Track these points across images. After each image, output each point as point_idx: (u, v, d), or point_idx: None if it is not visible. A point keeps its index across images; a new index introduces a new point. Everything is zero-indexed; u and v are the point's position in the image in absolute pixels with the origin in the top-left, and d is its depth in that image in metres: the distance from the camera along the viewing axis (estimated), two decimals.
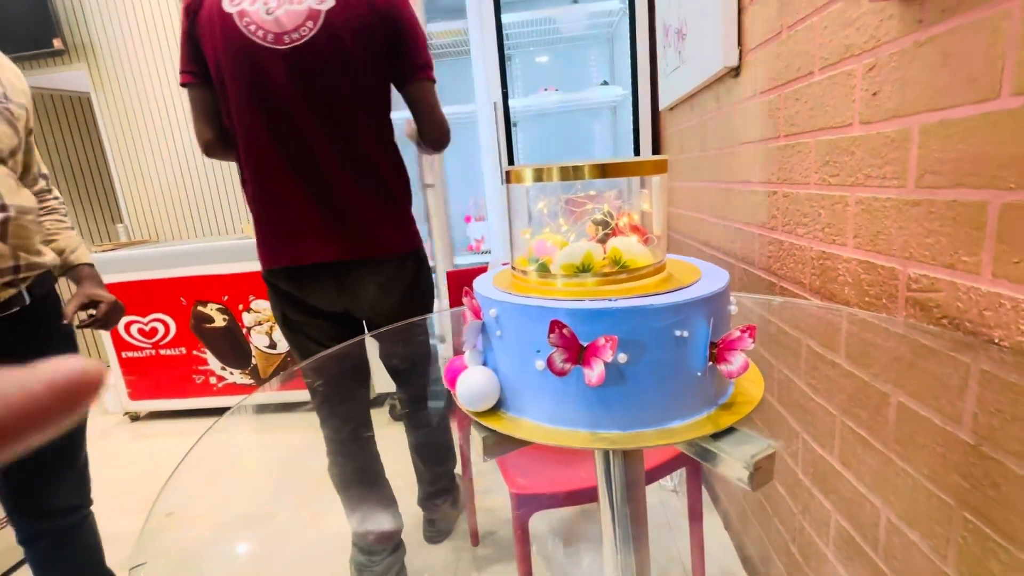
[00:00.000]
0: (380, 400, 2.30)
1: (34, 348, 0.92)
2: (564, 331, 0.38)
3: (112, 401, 2.54)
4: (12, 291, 0.88)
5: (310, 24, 0.95)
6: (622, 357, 0.38)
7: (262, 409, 2.51)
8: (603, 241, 0.47)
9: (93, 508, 1.09)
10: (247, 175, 1.06)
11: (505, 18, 1.93)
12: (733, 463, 0.38)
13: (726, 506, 1.34)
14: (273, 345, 2.29)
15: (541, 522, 1.40)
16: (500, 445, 0.42)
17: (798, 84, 0.83)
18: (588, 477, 0.94)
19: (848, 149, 0.71)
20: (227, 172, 2.85)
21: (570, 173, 0.42)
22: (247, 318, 2.28)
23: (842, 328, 0.76)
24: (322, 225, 1.04)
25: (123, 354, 2.36)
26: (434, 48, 2.28)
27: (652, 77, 1.86)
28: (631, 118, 1.95)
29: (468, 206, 2.51)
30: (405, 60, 1.04)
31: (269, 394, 2.25)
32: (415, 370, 1.31)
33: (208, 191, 2.91)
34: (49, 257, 0.96)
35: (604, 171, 0.42)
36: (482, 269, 1.46)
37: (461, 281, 1.34)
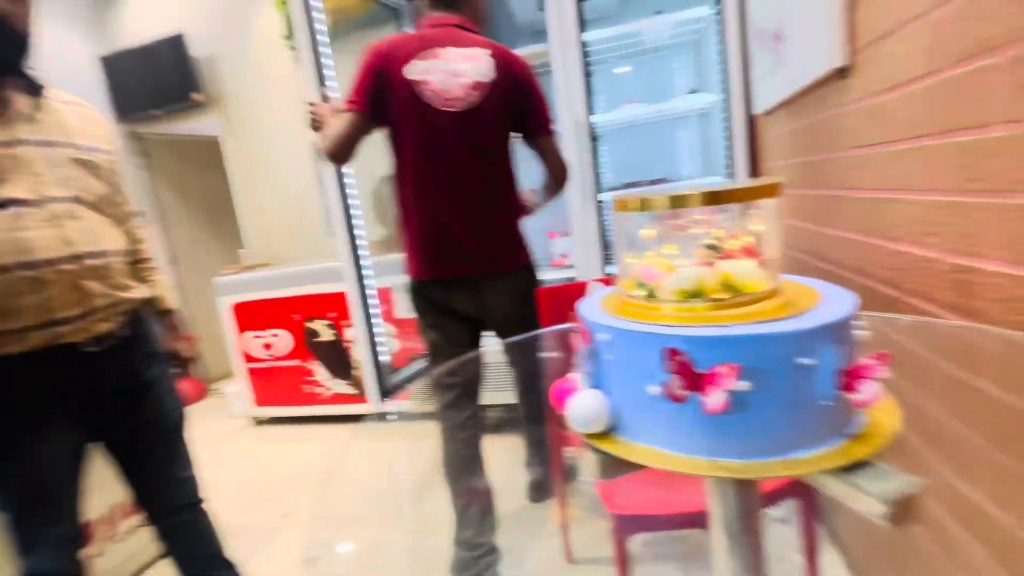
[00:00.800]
0: None
1: (136, 373, 1.03)
2: (680, 358, 0.38)
3: (240, 406, 2.85)
4: (109, 325, 0.97)
5: (476, 93, 1.23)
6: (742, 385, 0.37)
7: (375, 418, 2.68)
8: (713, 265, 0.46)
9: (220, 504, 1.22)
10: (416, 204, 1.29)
11: (588, 35, 1.95)
12: (870, 500, 0.36)
13: (848, 543, 1.22)
14: None
15: (638, 545, 1.37)
16: (615, 468, 0.43)
17: (921, 83, 0.76)
18: (692, 501, 0.90)
19: (993, 151, 0.64)
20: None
21: (681, 201, 0.42)
22: (349, 333, 2.47)
23: (988, 350, 0.67)
24: (468, 247, 1.29)
25: (248, 364, 2.65)
26: None
27: (745, 82, 1.78)
28: (722, 125, 1.88)
29: (552, 222, 2.53)
30: (537, 118, 1.33)
31: (381, 405, 2.41)
32: (528, 381, 1.41)
33: (316, 219, 3.20)
34: (140, 292, 1.06)
35: (716, 198, 0.42)
36: (575, 286, 1.47)
37: (554, 299, 1.36)
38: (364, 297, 1.88)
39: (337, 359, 2.53)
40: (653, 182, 2.13)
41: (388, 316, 2.27)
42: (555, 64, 1.93)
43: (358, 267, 1.84)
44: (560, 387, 0.50)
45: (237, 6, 3.12)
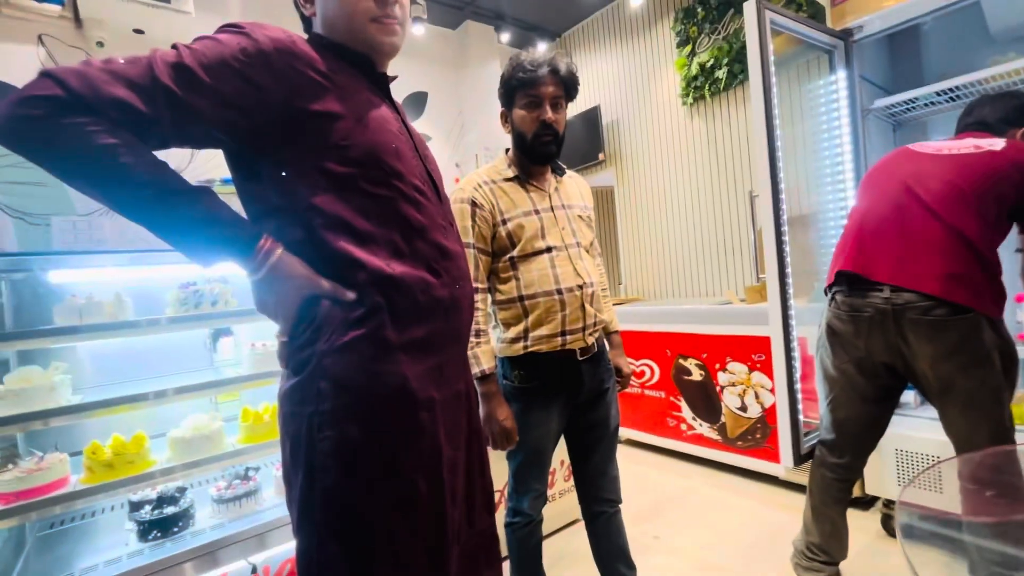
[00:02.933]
0: (868, 501, 1.99)
1: (600, 382, 1.31)
2: None
3: None
4: (592, 339, 1.28)
5: (977, 153, 1.34)
6: None
7: (731, 470, 2.61)
8: None
9: None
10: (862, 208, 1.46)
11: None
12: None
13: None
14: (744, 408, 2.38)
15: None
16: None
17: None
18: None
19: None
20: (708, 246, 3.21)
21: None
22: (722, 377, 2.46)
23: None
24: (898, 250, 1.33)
25: None
26: (982, 86, 1.87)
27: None
28: None
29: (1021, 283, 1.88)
30: None
31: (741, 458, 2.33)
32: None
33: (689, 262, 3.36)
34: (605, 315, 1.35)
35: None
36: None
37: None
38: (788, 346, 1.79)
39: (704, 401, 2.56)
40: None
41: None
42: None
43: (785, 310, 1.77)
44: None
45: (642, 74, 3.62)
